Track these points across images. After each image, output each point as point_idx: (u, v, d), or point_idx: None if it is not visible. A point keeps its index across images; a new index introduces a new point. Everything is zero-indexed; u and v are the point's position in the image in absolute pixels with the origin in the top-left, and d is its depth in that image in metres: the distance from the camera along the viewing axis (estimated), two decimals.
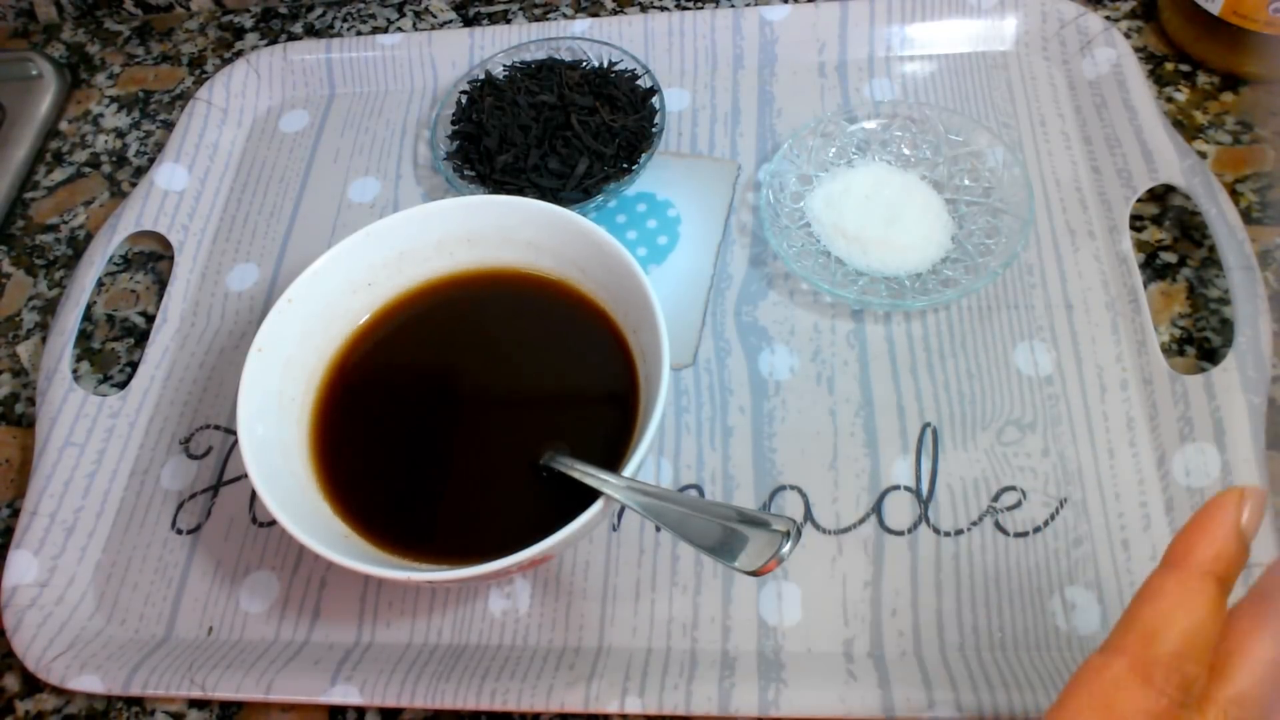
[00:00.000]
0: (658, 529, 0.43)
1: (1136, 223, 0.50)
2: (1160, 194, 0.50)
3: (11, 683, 0.44)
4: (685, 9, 0.62)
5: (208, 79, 0.62)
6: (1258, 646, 0.24)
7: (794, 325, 0.48)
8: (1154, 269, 0.48)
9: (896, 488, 0.43)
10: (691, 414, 0.46)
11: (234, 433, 0.48)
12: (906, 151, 0.51)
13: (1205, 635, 0.24)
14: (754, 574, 0.31)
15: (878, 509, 0.43)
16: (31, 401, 0.52)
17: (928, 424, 0.44)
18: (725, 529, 0.32)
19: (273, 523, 0.46)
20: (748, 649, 0.40)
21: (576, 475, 0.37)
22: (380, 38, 0.61)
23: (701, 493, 0.44)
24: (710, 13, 0.58)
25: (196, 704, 0.42)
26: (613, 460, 0.39)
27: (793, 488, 0.44)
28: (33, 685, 0.44)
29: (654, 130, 0.52)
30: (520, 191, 0.50)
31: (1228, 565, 0.24)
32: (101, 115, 0.65)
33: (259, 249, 0.55)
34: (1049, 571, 0.40)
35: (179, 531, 0.46)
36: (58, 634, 0.43)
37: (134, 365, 0.52)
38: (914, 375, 0.46)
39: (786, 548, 0.31)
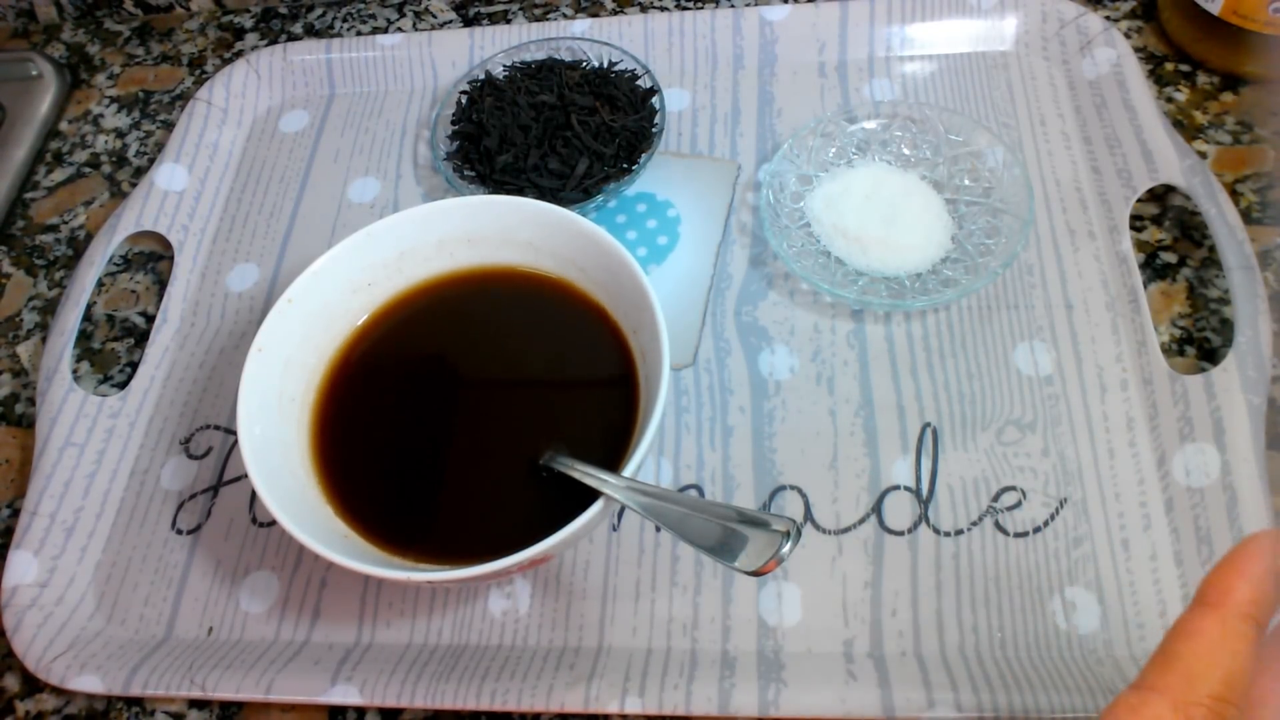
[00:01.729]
0: (658, 529, 0.43)
1: (1136, 223, 0.50)
2: (1160, 194, 0.50)
3: (11, 683, 0.44)
4: (685, 9, 0.62)
5: (208, 79, 0.62)
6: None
7: (794, 325, 0.48)
8: (1154, 269, 0.48)
9: (896, 488, 0.43)
10: (691, 414, 0.46)
11: (234, 433, 0.48)
12: (906, 151, 0.51)
13: (1244, 678, 0.24)
14: (754, 574, 0.31)
15: (878, 509, 0.43)
16: (31, 401, 0.52)
17: (928, 424, 0.44)
18: (725, 529, 0.32)
19: (273, 523, 0.46)
20: (748, 649, 0.40)
21: (576, 475, 0.37)
22: (380, 38, 0.61)
23: (701, 493, 0.44)
24: (710, 13, 0.58)
25: (196, 704, 0.42)
26: (613, 460, 0.39)
27: (793, 488, 0.44)
28: (33, 685, 0.44)
29: (654, 130, 0.52)
30: (520, 191, 0.50)
31: (1265, 609, 0.24)
32: (101, 115, 0.65)
33: (259, 249, 0.55)
34: (1049, 571, 0.40)
35: (179, 531, 0.46)
36: (58, 634, 0.43)
37: (134, 365, 0.52)
38: (914, 375, 0.46)
39: (786, 548, 0.31)
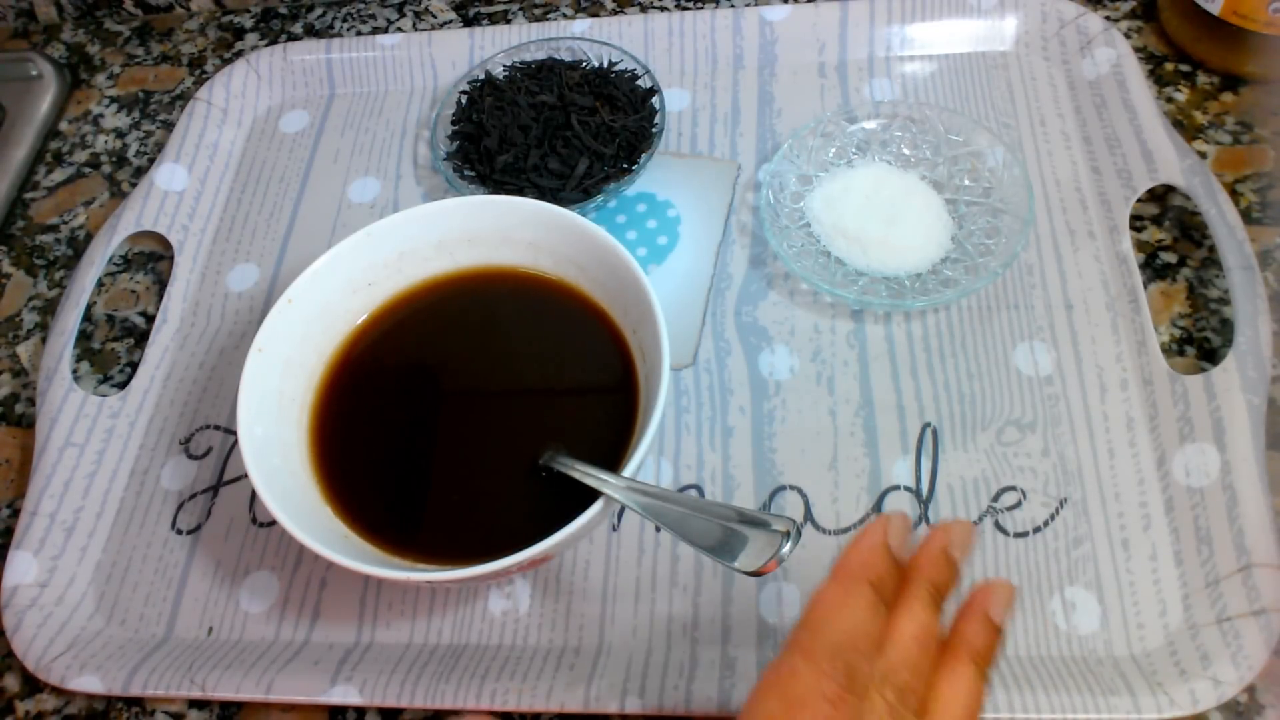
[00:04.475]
0: (657, 529, 0.43)
1: (1136, 223, 0.50)
2: (1160, 194, 0.50)
3: (11, 683, 0.44)
4: (685, 9, 0.62)
5: (208, 79, 0.62)
6: (902, 624, 0.28)
7: (794, 325, 0.48)
8: (1154, 269, 0.48)
9: (896, 488, 0.43)
10: (691, 414, 0.46)
11: (234, 433, 0.48)
12: (906, 151, 0.51)
13: (864, 629, 0.28)
14: (754, 574, 0.31)
15: (878, 509, 0.43)
16: (31, 401, 0.52)
17: (928, 424, 0.44)
18: (725, 529, 0.32)
19: (273, 523, 0.46)
20: (748, 649, 0.40)
21: (576, 475, 0.37)
22: (380, 38, 0.61)
23: (701, 493, 0.44)
24: (710, 13, 0.58)
25: (196, 704, 0.42)
26: (613, 460, 0.39)
27: (793, 488, 0.44)
28: (33, 685, 0.44)
29: (654, 130, 0.52)
30: (520, 191, 0.50)
31: (879, 574, 0.29)
32: (101, 115, 0.65)
33: (259, 249, 0.55)
34: (1049, 571, 0.40)
35: (179, 531, 0.46)
36: (58, 634, 0.43)
37: (134, 365, 0.52)
38: (914, 375, 0.46)
39: (786, 548, 0.31)
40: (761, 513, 0.33)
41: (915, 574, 0.29)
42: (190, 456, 0.48)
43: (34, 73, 0.66)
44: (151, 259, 0.57)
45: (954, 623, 0.29)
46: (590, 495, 0.36)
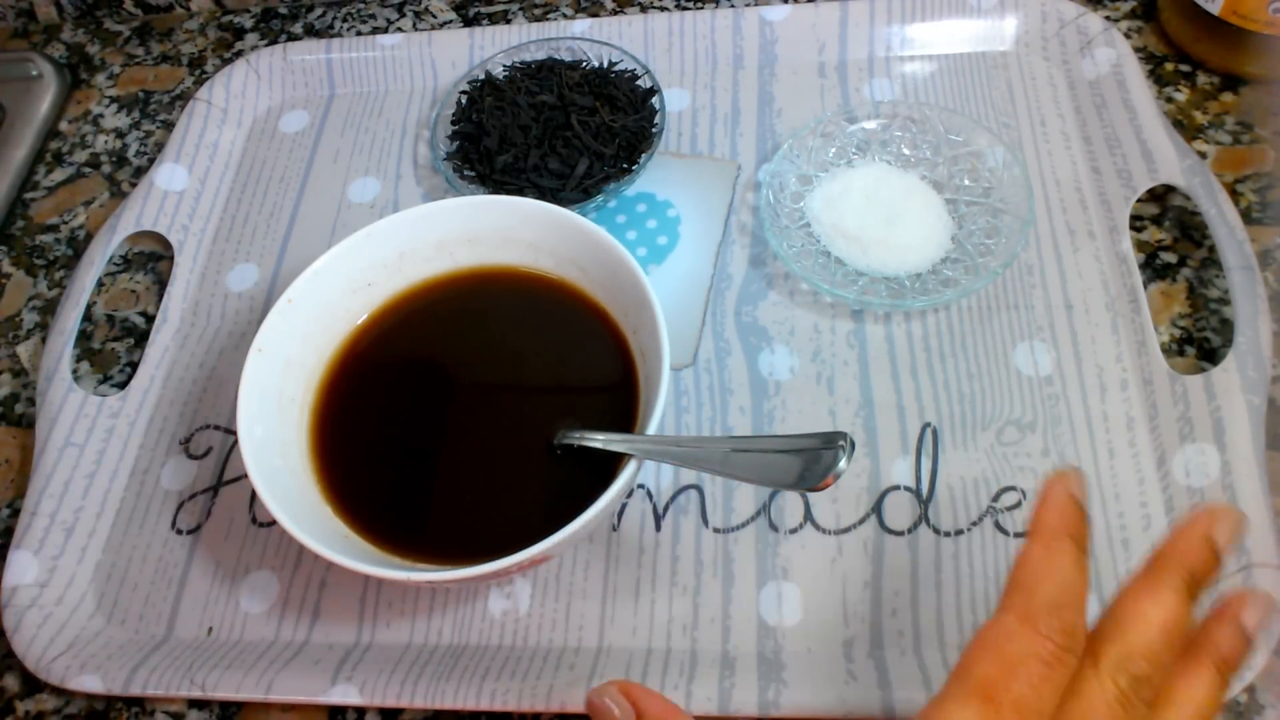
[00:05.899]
0: (658, 527, 0.43)
1: (1136, 223, 0.50)
2: (1160, 194, 0.50)
3: (11, 683, 0.44)
4: (685, 9, 0.62)
5: (208, 79, 0.62)
6: (1147, 610, 0.27)
7: (794, 325, 0.48)
8: (1154, 269, 0.48)
9: (896, 488, 0.43)
10: (691, 414, 0.46)
11: (234, 433, 0.48)
12: (906, 151, 0.51)
13: (1074, 585, 0.27)
14: (813, 490, 0.30)
15: (878, 509, 0.43)
16: (31, 401, 0.52)
17: (928, 424, 0.44)
18: (770, 459, 0.31)
19: (273, 523, 0.46)
20: (748, 649, 0.40)
21: (599, 444, 0.36)
22: (380, 38, 0.61)
23: (701, 494, 0.44)
24: (710, 13, 0.58)
25: (196, 704, 0.42)
26: (612, 459, 0.39)
27: None
28: (33, 685, 0.44)
29: (654, 130, 0.52)
30: (520, 191, 0.50)
31: (1075, 526, 0.28)
32: (101, 115, 0.65)
33: (259, 249, 0.55)
34: None
35: (179, 531, 0.46)
36: (58, 634, 0.43)
37: (134, 365, 0.52)
38: (914, 375, 0.46)
39: (843, 462, 0.30)
40: (807, 435, 0.31)
41: (1171, 559, 0.28)
42: (190, 456, 0.48)
43: (34, 73, 0.66)
44: (151, 259, 0.57)
45: (1204, 624, 0.28)
46: (589, 495, 0.36)
